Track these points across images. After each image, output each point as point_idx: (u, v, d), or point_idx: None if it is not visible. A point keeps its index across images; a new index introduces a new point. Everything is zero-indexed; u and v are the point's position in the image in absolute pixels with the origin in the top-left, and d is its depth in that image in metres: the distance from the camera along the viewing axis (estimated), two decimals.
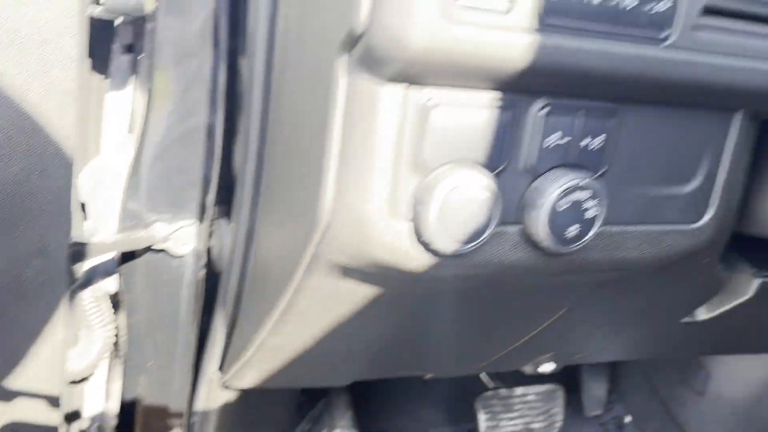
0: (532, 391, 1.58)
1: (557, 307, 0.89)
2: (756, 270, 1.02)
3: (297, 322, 0.78)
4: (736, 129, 0.73)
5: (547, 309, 0.89)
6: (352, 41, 0.57)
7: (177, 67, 0.96)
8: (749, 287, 1.03)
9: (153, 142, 0.98)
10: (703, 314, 1.08)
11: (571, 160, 0.65)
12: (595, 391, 1.84)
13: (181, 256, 1.06)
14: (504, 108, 0.61)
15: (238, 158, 0.88)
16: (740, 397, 1.69)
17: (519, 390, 1.56)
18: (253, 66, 0.78)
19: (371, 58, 0.56)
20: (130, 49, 1.05)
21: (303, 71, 0.67)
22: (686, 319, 1.09)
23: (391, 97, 0.57)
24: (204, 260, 1.04)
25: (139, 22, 0.98)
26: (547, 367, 1.17)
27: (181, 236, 1.05)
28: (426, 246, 0.63)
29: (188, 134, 1.00)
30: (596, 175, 0.67)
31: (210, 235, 1.04)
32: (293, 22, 0.69)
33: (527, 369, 1.15)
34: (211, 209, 1.00)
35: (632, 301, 0.96)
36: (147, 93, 0.93)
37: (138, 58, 1.03)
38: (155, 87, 0.94)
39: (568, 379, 1.80)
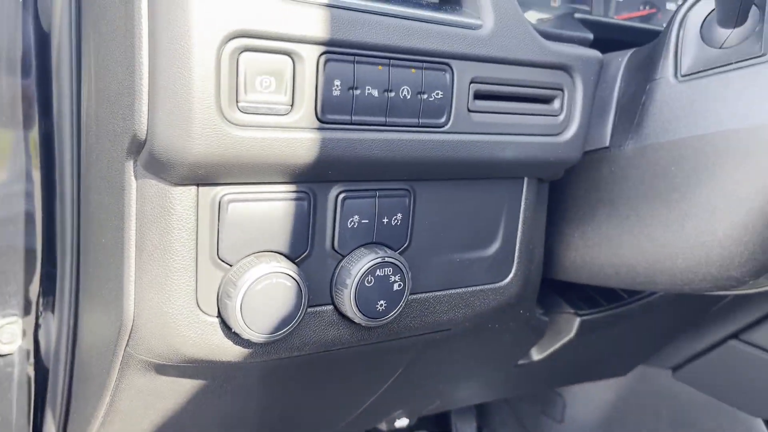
0: None
1: (392, 369, 0.92)
2: (576, 310, 1.12)
3: (122, 422, 0.75)
4: (526, 193, 0.80)
5: (382, 372, 0.92)
6: (137, 147, 0.57)
7: None
8: (572, 326, 1.12)
9: None
10: (536, 355, 1.16)
11: (373, 239, 0.69)
12: (466, 429, 1.89)
13: (6, 355, 1.00)
14: (299, 198, 0.64)
15: (59, 251, 0.85)
16: (595, 420, 1.80)
17: None
18: (63, 158, 0.76)
19: (156, 164, 0.57)
20: None
21: (102, 170, 0.66)
22: (522, 361, 1.16)
23: (182, 197, 0.58)
24: (32, 357, 0.99)
25: None
26: (403, 422, 1.19)
27: (5, 334, 0.99)
28: (237, 337, 0.64)
29: (5, 227, 0.95)
30: (399, 251, 0.71)
31: (37, 329, 0.99)
32: (92, 119, 0.69)
33: (383, 427, 1.17)
34: (35, 304, 0.96)
35: (464, 354, 1.01)
36: None
37: None
38: None
39: (439, 421, 1.84)
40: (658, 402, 1.65)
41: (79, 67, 0.73)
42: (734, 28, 0.71)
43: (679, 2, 1.26)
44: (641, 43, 0.94)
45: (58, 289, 0.86)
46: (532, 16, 1.07)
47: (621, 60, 0.84)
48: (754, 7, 0.70)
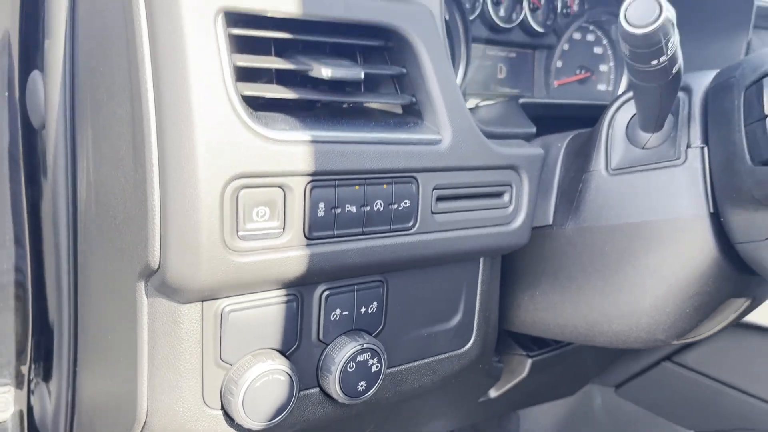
0: None
1: (365, 426, 1.02)
2: (527, 352, 1.24)
3: None
4: (482, 270, 0.91)
5: (355, 430, 1.02)
6: (149, 273, 0.65)
7: None
8: (524, 367, 1.24)
9: None
10: (493, 393, 1.28)
11: (352, 326, 0.79)
12: None
13: (1, 422, 1.05)
14: (289, 301, 0.73)
15: (56, 331, 0.92)
16: None
17: None
18: (60, 254, 0.83)
19: (167, 289, 0.65)
20: None
21: (105, 276, 0.74)
22: (482, 399, 1.28)
23: (189, 313, 0.67)
24: (26, 423, 1.04)
25: None
26: None
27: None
28: (239, 426, 0.72)
29: None
30: (375, 334, 0.81)
31: (30, 395, 1.05)
32: (92, 220, 0.76)
33: None
34: (28, 374, 1.02)
35: (430, 401, 1.12)
36: None
37: None
38: None
39: None
40: (603, 416, 1.80)
41: (74, 171, 0.80)
42: (653, 133, 0.83)
43: (611, 64, 1.40)
44: (579, 115, 1.07)
45: (55, 363, 0.92)
46: (481, 95, 1.19)
47: (560, 146, 0.96)
48: (670, 114, 0.83)
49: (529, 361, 1.23)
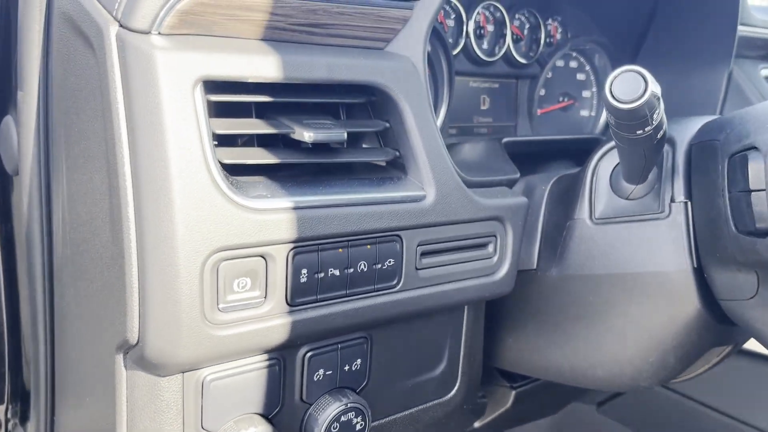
0: None
1: None
2: (511, 383, 1.24)
3: None
4: (467, 318, 0.91)
5: None
6: (127, 347, 0.64)
7: None
8: (508, 399, 1.24)
9: None
10: (477, 424, 1.28)
11: (336, 385, 0.78)
12: None
13: None
14: (272, 365, 0.72)
15: (31, 365, 0.90)
16: None
17: None
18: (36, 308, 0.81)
19: (147, 363, 0.63)
20: None
21: (83, 342, 0.72)
22: (467, 430, 1.28)
23: (169, 385, 0.66)
24: None
25: None
26: None
27: None
28: None
29: None
30: (358, 390, 0.80)
31: None
32: (69, 295, 0.74)
33: None
34: (5, 413, 1.00)
35: None
36: None
37: None
38: None
39: None
40: None
41: (50, 223, 0.78)
42: (637, 184, 0.83)
43: (593, 89, 1.40)
44: (562, 147, 1.06)
45: (32, 405, 0.90)
46: (464, 127, 1.18)
47: (544, 188, 0.96)
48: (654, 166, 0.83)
49: (513, 393, 1.23)
